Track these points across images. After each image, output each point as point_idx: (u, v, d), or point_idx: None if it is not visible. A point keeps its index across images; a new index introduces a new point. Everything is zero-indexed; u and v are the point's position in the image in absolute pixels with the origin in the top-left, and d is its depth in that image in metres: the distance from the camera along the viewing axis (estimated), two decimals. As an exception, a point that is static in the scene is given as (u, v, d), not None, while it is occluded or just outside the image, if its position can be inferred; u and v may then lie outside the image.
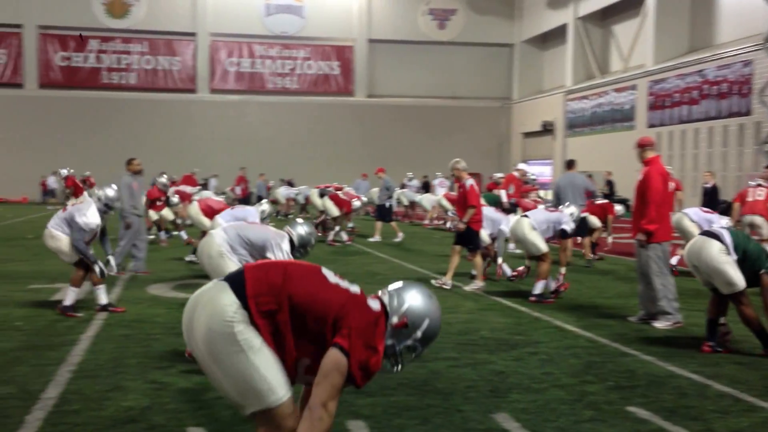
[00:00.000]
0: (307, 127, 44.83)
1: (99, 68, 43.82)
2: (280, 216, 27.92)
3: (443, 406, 5.20)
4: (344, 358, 3.16)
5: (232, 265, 6.92)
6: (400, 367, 3.53)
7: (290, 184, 31.77)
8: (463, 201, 10.80)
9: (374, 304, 3.40)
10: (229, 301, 3.17)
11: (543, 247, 9.81)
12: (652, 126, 32.56)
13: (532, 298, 9.59)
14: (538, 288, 9.69)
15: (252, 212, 11.51)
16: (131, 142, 40.94)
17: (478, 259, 10.80)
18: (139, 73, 44.22)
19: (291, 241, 7.29)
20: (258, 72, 45.53)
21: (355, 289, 3.44)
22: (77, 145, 41.86)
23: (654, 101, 32.93)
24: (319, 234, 19.26)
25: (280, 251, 7.07)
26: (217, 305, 3.17)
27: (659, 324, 8.02)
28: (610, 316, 8.65)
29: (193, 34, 44.45)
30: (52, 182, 38.05)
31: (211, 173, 37.52)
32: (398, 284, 3.60)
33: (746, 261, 6.76)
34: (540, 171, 41.96)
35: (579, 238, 14.26)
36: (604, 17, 39.21)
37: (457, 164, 11.18)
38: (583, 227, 13.99)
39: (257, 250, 7.13)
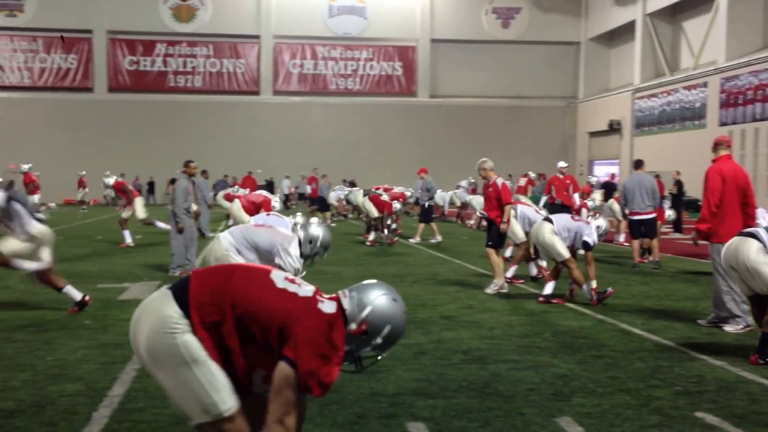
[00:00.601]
0: (370, 128, 45.00)
1: (166, 72, 44.84)
2: (339, 217, 28.09)
3: (504, 409, 5.11)
4: (292, 370, 3.03)
5: None
6: (361, 368, 3.38)
7: (352, 185, 31.92)
8: (494, 201, 10.59)
9: (328, 308, 3.22)
10: (171, 311, 3.08)
11: (564, 252, 9.42)
12: (723, 124, 31.67)
13: (593, 301, 9.40)
14: (587, 292, 9.49)
15: (285, 223, 11.50)
16: (196, 144, 41.82)
17: (495, 258, 10.54)
18: (204, 76, 45.08)
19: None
20: (321, 73, 45.91)
21: (305, 292, 3.25)
22: (144, 147, 42.97)
23: (726, 99, 32.02)
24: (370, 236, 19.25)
25: (288, 255, 6.82)
26: (158, 316, 3.09)
27: (729, 328, 7.76)
28: (678, 319, 8.41)
29: (257, 37, 45.09)
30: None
31: (284, 174, 37.87)
32: (361, 284, 3.40)
33: None
34: (606, 171, 41.28)
35: (647, 240, 13.92)
36: (674, 13, 38.32)
37: (483, 164, 10.90)
38: (652, 228, 13.68)
39: (264, 254, 6.93)
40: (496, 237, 10.57)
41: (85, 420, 4.82)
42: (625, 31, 41.66)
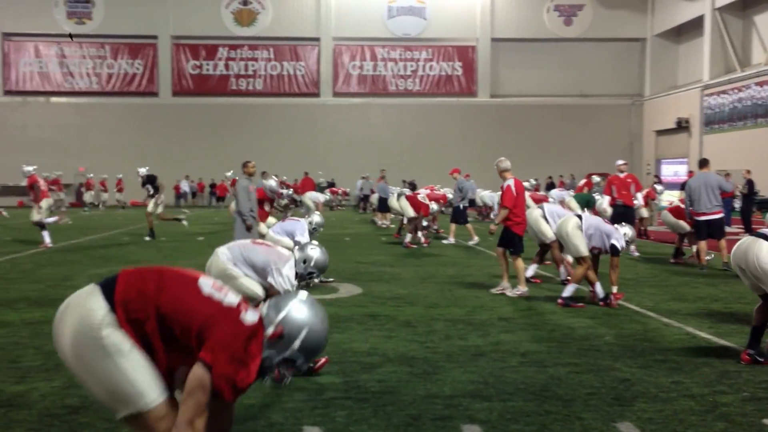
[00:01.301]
0: (430, 128, 44.90)
1: (227, 75, 45.56)
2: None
3: (563, 413, 5.00)
4: (207, 373, 3.04)
5: (240, 280, 6.81)
6: (288, 380, 3.39)
7: (412, 185, 31.83)
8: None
9: (250, 317, 3.23)
10: (97, 305, 3.12)
11: (583, 249, 9.24)
12: (797, 121, 30.61)
13: (560, 301, 9.23)
14: (568, 291, 9.29)
15: (301, 226, 11.52)
16: (258, 145, 42.34)
17: (520, 264, 10.29)
18: (265, 78, 45.63)
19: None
20: (380, 74, 46.01)
21: (230, 300, 3.27)
22: (207, 150, 43.76)
23: (799, 94, 30.95)
24: (397, 236, 19.25)
25: (281, 276, 6.77)
26: (84, 309, 3.13)
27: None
28: (748, 323, 8.05)
29: (316, 39, 45.44)
30: (184, 186, 39.63)
31: (360, 176, 37.43)
32: (281, 295, 3.47)
33: None
34: (675, 170, 40.39)
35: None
36: (745, 7, 37.20)
37: (499, 163, 10.61)
38: (719, 229, 13.27)
39: (258, 272, 6.88)
40: (509, 241, 10.35)
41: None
42: (694, 26, 40.62)
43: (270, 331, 3.30)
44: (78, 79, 44.95)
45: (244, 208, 12.39)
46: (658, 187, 20.97)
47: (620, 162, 16.57)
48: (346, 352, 6.69)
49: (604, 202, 18.11)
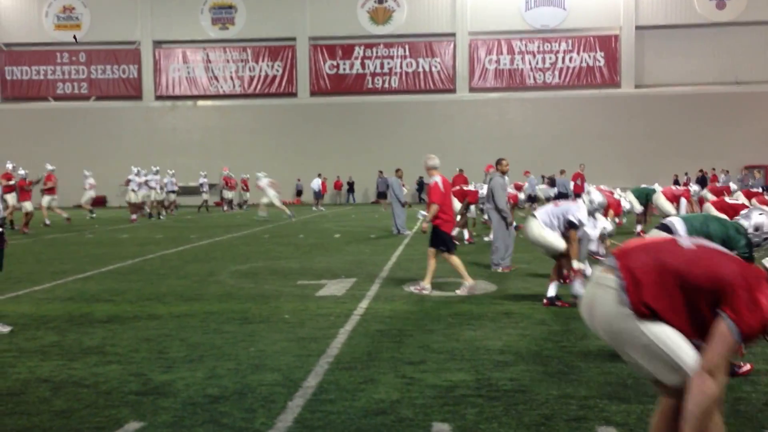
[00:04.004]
0: (570, 122, 43.84)
1: (364, 74, 46.28)
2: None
3: (708, 419, 4.71)
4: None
5: None
6: None
7: (551, 181, 31.12)
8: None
9: None
10: None
11: (559, 244, 8.84)
12: None
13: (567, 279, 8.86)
14: (576, 287, 8.72)
15: None
16: (394, 143, 42.82)
17: (455, 260, 9.94)
18: (400, 76, 46.03)
19: None
20: (518, 68, 45.36)
21: None
22: (344, 148, 44.69)
23: None
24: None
25: None
26: None
27: None
28: None
29: (452, 35, 45.37)
30: (316, 185, 40.22)
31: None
32: None
33: None
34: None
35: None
36: None
37: (427, 160, 10.37)
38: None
39: None
40: (439, 240, 10.00)
41: (281, 408, 5.01)
42: None
43: None
44: (222, 82, 47.04)
45: (502, 204, 12.64)
46: (733, 186, 19.59)
47: None
48: (479, 349, 6.61)
49: (660, 197, 17.36)
